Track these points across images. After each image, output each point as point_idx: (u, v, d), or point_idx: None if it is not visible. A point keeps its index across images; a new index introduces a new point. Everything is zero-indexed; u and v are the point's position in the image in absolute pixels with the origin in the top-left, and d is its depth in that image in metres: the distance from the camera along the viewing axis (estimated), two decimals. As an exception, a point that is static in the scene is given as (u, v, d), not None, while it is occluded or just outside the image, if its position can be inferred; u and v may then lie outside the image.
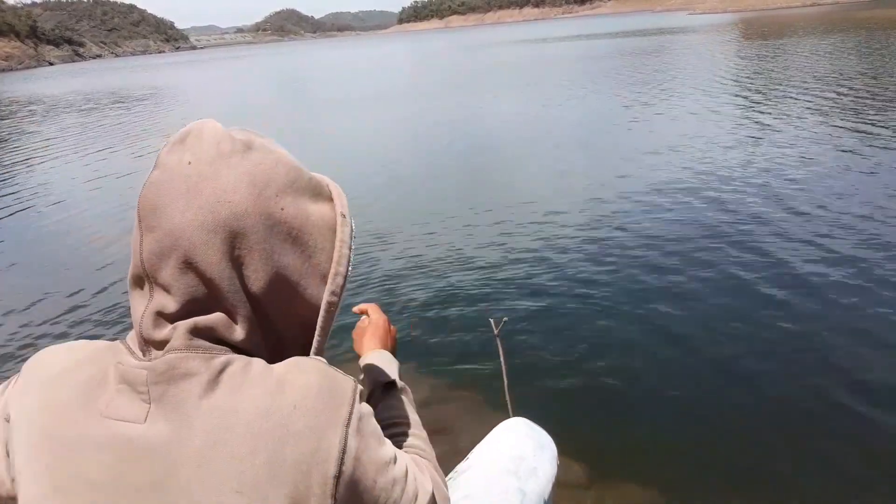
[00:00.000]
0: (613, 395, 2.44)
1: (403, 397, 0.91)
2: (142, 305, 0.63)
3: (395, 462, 0.69)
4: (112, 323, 3.43)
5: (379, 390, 0.92)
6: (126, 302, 3.69)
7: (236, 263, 0.62)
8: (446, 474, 1.07)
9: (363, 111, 12.88)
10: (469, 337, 2.94)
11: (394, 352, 1.03)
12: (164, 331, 0.61)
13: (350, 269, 0.70)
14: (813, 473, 1.96)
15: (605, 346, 2.79)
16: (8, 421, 0.67)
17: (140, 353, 0.63)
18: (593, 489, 1.95)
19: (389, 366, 0.95)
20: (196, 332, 0.61)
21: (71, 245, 5.10)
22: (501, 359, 1.80)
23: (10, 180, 8.06)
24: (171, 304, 0.61)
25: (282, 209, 0.64)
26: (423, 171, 7.11)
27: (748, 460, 2.03)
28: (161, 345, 0.62)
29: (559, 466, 1.14)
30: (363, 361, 0.98)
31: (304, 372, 0.63)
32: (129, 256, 0.63)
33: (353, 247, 0.70)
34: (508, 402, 1.73)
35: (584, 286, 3.39)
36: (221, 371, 0.61)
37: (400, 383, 0.92)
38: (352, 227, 0.71)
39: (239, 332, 0.63)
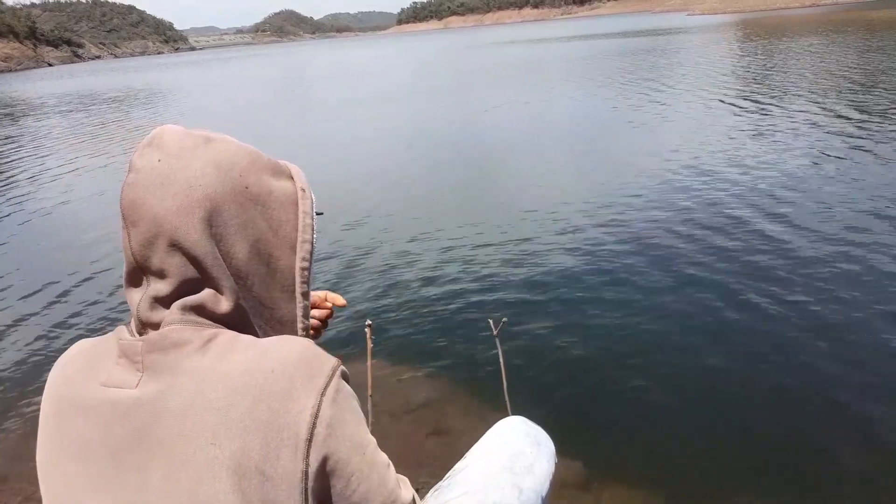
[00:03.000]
0: (612, 395, 2.45)
1: None
2: (139, 295, 0.68)
3: (376, 451, 0.71)
4: (113, 320, 3.44)
5: None
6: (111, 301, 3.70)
7: (216, 239, 0.67)
8: (445, 473, 1.09)
9: (363, 112, 12.87)
10: (468, 337, 2.95)
11: None
12: (161, 313, 0.67)
13: (315, 237, 0.76)
14: (814, 473, 1.97)
15: (604, 345, 2.80)
16: None
17: (137, 335, 0.69)
18: (591, 487, 1.96)
19: None
20: (187, 308, 0.67)
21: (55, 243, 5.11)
22: (500, 359, 1.80)
23: None
24: (164, 287, 0.67)
25: (246, 187, 0.70)
26: (422, 172, 7.11)
27: (746, 458, 2.05)
28: (157, 326, 0.67)
29: (557, 464, 1.15)
30: None
31: (288, 344, 0.68)
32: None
33: (315, 216, 0.77)
34: (507, 402, 1.74)
35: (583, 286, 3.41)
36: (210, 340, 0.66)
37: None
38: (312, 199, 0.77)
39: (225, 306, 0.68)
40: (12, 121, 16.91)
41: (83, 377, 0.69)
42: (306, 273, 0.76)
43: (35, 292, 4.07)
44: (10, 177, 8.50)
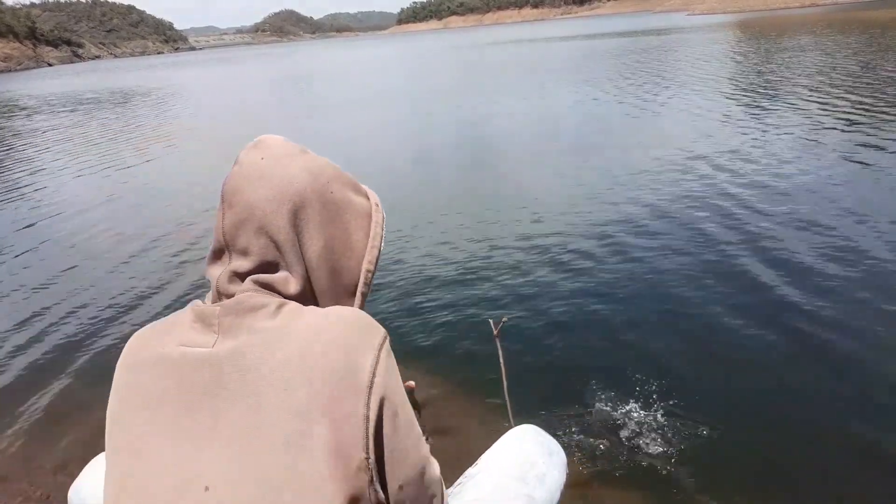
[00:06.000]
0: (613, 394, 2.44)
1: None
2: (220, 269, 0.79)
3: (413, 416, 0.81)
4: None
5: None
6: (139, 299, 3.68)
7: (298, 230, 0.78)
8: (454, 478, 1.08)
9: (362, 113, 12.86)
10: (468, 337, 2.94)
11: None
12: (237, 285, 0.77)
13: (382, 245, 0.88)
14: (816, 475, 1.97)
15: (605, 344, 2.80)
16: None
17: (212, 303, 0.79)
18: (592, 487, 1.95)
19: None
20: (260, 283, 0.77)
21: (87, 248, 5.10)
22: (501, 360, 1.79)
23: None
24: (245, 264, 0.77)
25: (331, 192, 0.82)
26: (421, 171, 7.11)
27: (748, 459, 2.04)
28: (233, 297, 0.77)
29: (568, 475, 1.14)
30: None
31: (347, 310, 0.79)
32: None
33: (385, 228, 0.89)
34: (507, 403, 1.73)
35: (584, 286, 3.40)
36: (281, 306, 0.76)
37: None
38: (383, 214, 0.90)
39: (293, 288, 0.78)
40: None
41: (158, 341, 0.77)
42: (370, 275, 0.86)
43: (23, 290, 4.06)
44: None
